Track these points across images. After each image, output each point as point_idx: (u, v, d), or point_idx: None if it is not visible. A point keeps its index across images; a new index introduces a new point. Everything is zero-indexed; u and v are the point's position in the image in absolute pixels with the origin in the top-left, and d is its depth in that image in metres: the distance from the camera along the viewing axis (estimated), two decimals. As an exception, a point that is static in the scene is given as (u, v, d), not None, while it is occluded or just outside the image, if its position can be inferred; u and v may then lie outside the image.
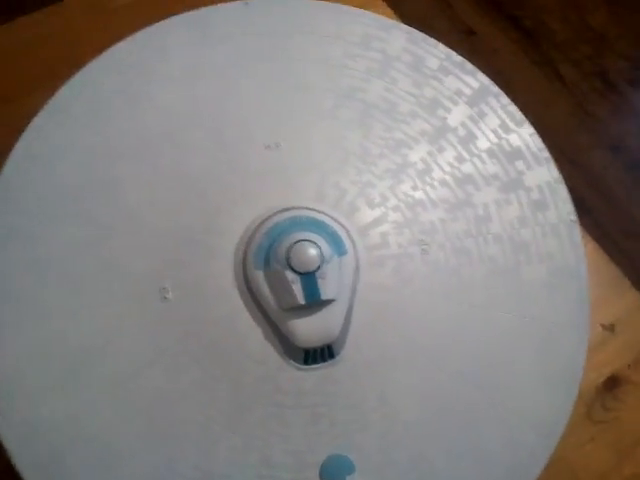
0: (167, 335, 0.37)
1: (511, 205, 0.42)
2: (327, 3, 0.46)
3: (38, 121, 0.41)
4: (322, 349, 0.37)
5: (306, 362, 0.37)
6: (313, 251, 0.36)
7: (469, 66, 0.46)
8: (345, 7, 0.46)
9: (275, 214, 0.39)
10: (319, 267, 0.36)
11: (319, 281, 0.36)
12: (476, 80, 0.45)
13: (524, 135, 0.44)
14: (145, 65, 0.43)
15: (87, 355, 0.37)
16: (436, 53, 0.45)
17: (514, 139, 0.44)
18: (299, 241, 0.36)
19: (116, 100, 0.42)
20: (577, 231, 0.43)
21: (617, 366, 0.48)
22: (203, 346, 0.37)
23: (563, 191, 0.43)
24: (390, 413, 0.38)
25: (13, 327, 0.37)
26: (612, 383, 0.47)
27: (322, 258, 0.36)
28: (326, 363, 0.38)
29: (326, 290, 0.36)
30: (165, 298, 0.38)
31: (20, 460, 0.35)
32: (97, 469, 0.36)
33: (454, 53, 0.46)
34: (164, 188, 0.40)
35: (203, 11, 0.45)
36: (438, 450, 0.38)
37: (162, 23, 0.45)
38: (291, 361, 0.37)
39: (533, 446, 0.39)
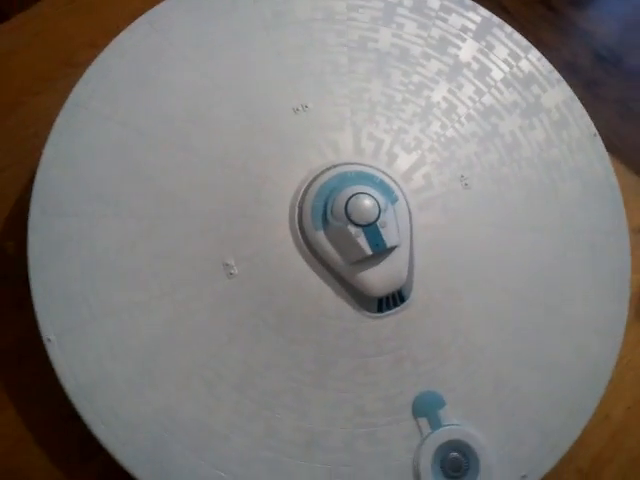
0: (241, 309, 0.38)
1: (535, 129, 0.44)
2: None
3: (60, 121, 0.40)
4: (393, 295, 0.38)
5: (380, 310, 0.38)
6: (370, 202, 0.37)
7: (468, 1, 0.46)
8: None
9: (321, 174, 0.39)
10: (378, 217, 0.37)
11: (381, 230, 0.37)
12: (477, 14, 0.46)
13: (533, 60, 0.46)
14: (155, 49, 0.42)
15: (164, 344, 0.37)
16: (434, -7, 0.46)
17: (525, 65, 0.45)
18: (354, 195, 0.37)
19: (134, 88, 0.41)
20: (600, 143, 0.44)
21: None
22: (278, 314, 0.38)
23: (579, 107, 0.45)
24: (465, 342, 0.39)
25: (84, 329, 0.37)
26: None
27: (379, 208, 0.37)
28: (399, 307, 0.39)
29: (389, 238, 0.37)
30: (231, 274, 0.38)
31: (124, 456, 0.36)
32: (199, 450, 0.36)
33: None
34: (202, 169, 0.40)
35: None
36: (515, 368, 0.40)
37: (160, 7, 0.44)
38: (365, 312, 0.38)
39: (599, 349, 0.41)
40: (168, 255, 0.38)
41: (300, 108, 0.41)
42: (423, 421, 0.38)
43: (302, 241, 0.38)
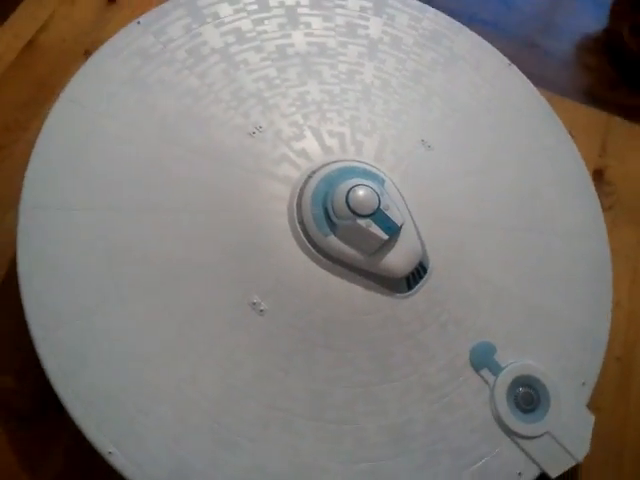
0: (285, 340, 0.37)
1: (460, 76, 0.47)
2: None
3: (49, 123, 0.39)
4: (417, 269, 0.39)
5: (410, 287, 0.39)
6: (367, 191, 0.37)
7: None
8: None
9: (305, 184, 0.39)
10: (379, 202, 0.38)
11: (387, 213, 0.38)
12: (368, -8, 0.48)
13: (432, 17, 0.48)
14: (147, 50, 0.42)
15: (226, 404, 0.36)
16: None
17: (428, 24, 0.48)
18: (350, 190, 0.37)
19: (127, 89, 0.41)
20: (516, 69, 0.48)
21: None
22: (322, 331, 0.38)
23: (488, 46, 0.48)
24: (488, 286, 0.41)
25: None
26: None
27: (377, 194, 0.38)
28: (424, 278, 0.40)
29: (396, 217, 0.38)
30: (262, 311, 0.37)
31: None
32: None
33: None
34: (193, 230, 0.39)
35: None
36: (538, 294, 0.42)
37: (159, 8, 0.43)
38: (398, 294, 0.39)
39: (597, 254, 0.45)
40: (196, 314, 0.37)
41: (255, 130, 0.41)
42: (485, 372, 0.40)
43: (316, 252, 0.38)
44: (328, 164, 0.40)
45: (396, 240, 0.38)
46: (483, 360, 0.40)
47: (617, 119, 0.54)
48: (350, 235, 0.38)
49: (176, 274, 0.37)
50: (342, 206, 0.37)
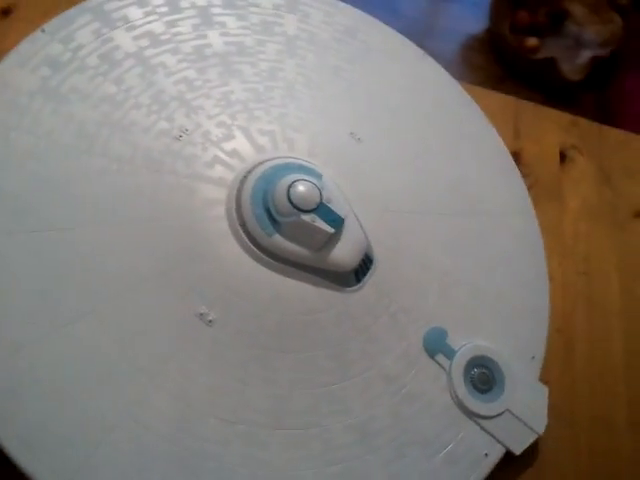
0: (238, 349, 0.35)
1: (377, 66, 0.47)
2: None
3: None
4: (363, 261, 0.39)
5: (359, 280, 0.39)
6: (307, 185, 0.37)
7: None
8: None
9: (242, 184, 0.38)
10: (321, 195, 0.37)
11: (330, 206, 0.37)
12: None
13: (346, 11, 0.48)
14: (57, 59, 0.39)
15: (188, 420, 0.33)
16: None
17: (341, 19, 0.48)
18: (290, 186, 0.36)
19: (38, 99, 0.38)
20: (431, 60, 0.49)
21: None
22: (275, 335, 0.36)
23: (401, 37, 0.49)
24: (432, 271, 0.41)
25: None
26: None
27: (317, 188, 0.37)
28: (371, 270, 0.39)
29: (340, 209, 0.37)
30: (210, 322, 0.35)
31: None
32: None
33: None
34: (127, 235, 0.36)
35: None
36: (478, 275, 0.43)
37: (63, 15, 0.41)
38: (348, 288, 0.38)
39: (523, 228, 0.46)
40: (140, 332, 0.34)
41: (182, 134, 0.39)
42: (440, 357, 0.40)
43: (261, 254, 0.37)
44: (262, 162, 0.39)
45: (341, 233, 0.38)
46: (436, 345, 0.40)
47: (525, 102, 0.56)
48: (295, 232, 0.36)
49: (113, 292, 0.35)
50: (284, 203, 0.36)
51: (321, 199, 0.37)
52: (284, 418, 0.35)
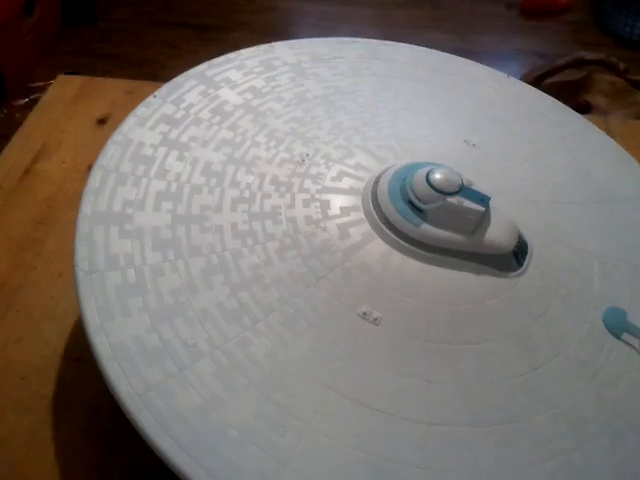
0: (409, 344, 0.32)
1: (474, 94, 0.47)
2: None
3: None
4: (519, 243, 0.36)
5: (521, 263, 0.36)
6: (446, 170, 0.35)
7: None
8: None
9: (375, 184, 0.37)
10: (462, 178, 0.35)
11: (474, 187, 0.35)
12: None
13: (428, 52, 0.50)
14: (172, 116, 0.41)
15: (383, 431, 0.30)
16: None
17: (426, 60, 0.49)
18: (428, 174, 0.35)
19: (161, 150, 0.39)
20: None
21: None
22: (446, 327, 0.33)
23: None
24: (589, 257, 0.38)
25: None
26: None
27: (454, 172, 0.36)
28: (529, 254, 0.37)
29: (483, 189, 0.36)
30: (375, 320, 0.33)
31: None
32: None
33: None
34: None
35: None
36: (634, 257, 0.40)
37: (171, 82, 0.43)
38: (512, 273, 0.35)
39: None
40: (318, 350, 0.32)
41: (304, 159, 0.39)
42: (626, 336, 0.36)
43: (411, 246, 0.35)
44: (390, 168, 0.38)
45: (490, 215, 0.36)
46: (619, 325, 0.36)
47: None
48: (443, 218, 0.35)
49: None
50: (426, 190, 0.35)
51: (462, 182, 0.35)
52: (481, 414, 0.31)
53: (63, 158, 0.49)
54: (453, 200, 0.34)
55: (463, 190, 0.35)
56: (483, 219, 0.35)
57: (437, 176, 0.35)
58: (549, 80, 1.50)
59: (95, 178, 0.37)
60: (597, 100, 1.56)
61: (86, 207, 0.35)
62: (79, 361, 0.39)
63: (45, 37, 1.64)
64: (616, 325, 0.36)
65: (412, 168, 0.37)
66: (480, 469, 0.30)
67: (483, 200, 0.35)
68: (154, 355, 0.31)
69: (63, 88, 0.56)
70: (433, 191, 0.35)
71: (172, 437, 0.29)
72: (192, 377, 0.30)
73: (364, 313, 0.33)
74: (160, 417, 0.29)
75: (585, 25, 1.99)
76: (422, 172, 0.36)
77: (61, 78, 0.58)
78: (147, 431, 0.29)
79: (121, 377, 0.30)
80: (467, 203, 0.35)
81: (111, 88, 0.57)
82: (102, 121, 0.52)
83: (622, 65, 1.47)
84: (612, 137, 0.47)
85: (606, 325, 0.36)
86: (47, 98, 0.55)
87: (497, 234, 0.35)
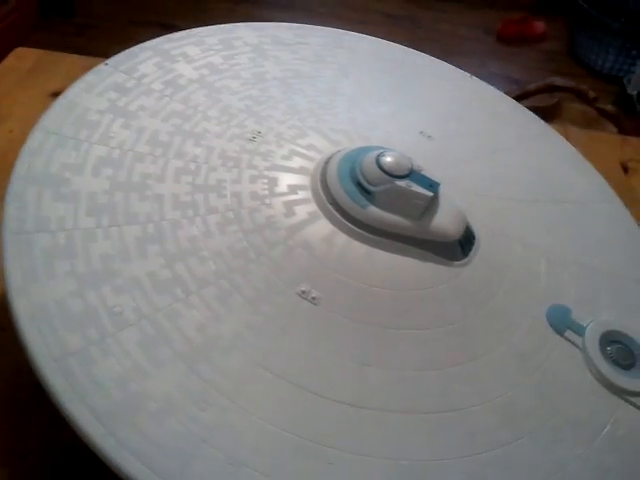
0: (347, 325, 0.31)
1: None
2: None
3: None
4: (466, 232, 0.36)
5: (465, 253, 0.35)
6: (396, 154, 0.35)
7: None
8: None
9: (326, 165, 0.36)
10: (412, 162, 0.35)
11: (424, 172, 0.35)
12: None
13: (392, 46, 0.50)
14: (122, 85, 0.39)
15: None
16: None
17: (388, 53, 0.49)
18: (379, 156, 0.34)
19: (107, 116, 0.37)
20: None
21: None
22: (388, 311, 0.32)
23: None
24: (539, 252, 0.38)
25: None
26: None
27: (405, 156, 0.35)
28: (475, 245, 0.36)
29: (433, 176, 0.35)
30: (314, 299, 0.32)
31: None
32: None
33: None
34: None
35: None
36: (584, 256, 0.39)
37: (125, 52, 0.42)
38: (456, 262, 0.35)
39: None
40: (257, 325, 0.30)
41: (255, 136, 0.38)
42: (569, 334, 0.35)
43: (356, 228, 0.34)
44: (341, 150, 0.37)
45: (438, 201, 0.35)
46: (563, 321, 0.35)
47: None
48: (391, 201, 0.34)
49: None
50: (376, 171, 0.34)
51: (412, 166, 0.34)
52: (416, 401, 0.30)
53: (11, 127, 0.47)
54: (402, 183, 0.34)
55: (412, 174, 0.34)
56: (431, 205, 0.34)
57: (387, 159, 0.34)
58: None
59: (34, 139, 0.35)
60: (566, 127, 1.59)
61: (21, 167, 0.34)
62: (3, 331, 0.37)
63: (20, 27, 1.61)
64: (559, 322, 0.35)
65: (364, 151, 0.36)
66: (411, 457, 0.29)
67: (432, 186, 0.34)
68: (76, 321, 0.29)
69: (20, 60, 0.55)
70: (382, 173, 0.34)
71: (87, 406, 0.27)
72: (115, 346, 0.29)
73: (303, 292, 0.32)
74: (76, 384, 0.27)
75: (560, 55, 2.03)
76: (373, 154, 0.35)
77: (19, 50, 0.57)
78: (60, 397, 0.27)
79: (38, 340, 0.28)
80: (415, 187, 0.34)
81: (69, 63, 0.55)
82: (56, 94, 0.50)
83: (592, 94, 1.50)
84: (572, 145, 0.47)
85: (549, 321, 0.35)
86: (1, 68, 0.53)
87: (444, 221, 0.35)
